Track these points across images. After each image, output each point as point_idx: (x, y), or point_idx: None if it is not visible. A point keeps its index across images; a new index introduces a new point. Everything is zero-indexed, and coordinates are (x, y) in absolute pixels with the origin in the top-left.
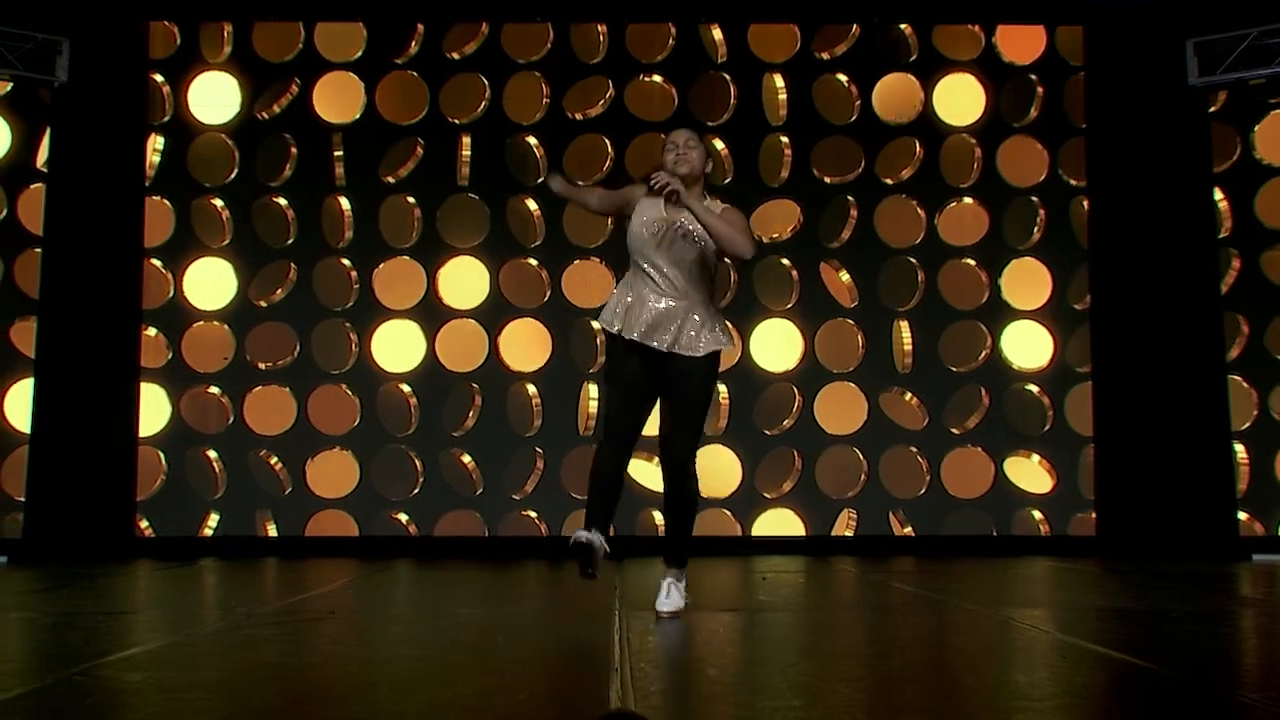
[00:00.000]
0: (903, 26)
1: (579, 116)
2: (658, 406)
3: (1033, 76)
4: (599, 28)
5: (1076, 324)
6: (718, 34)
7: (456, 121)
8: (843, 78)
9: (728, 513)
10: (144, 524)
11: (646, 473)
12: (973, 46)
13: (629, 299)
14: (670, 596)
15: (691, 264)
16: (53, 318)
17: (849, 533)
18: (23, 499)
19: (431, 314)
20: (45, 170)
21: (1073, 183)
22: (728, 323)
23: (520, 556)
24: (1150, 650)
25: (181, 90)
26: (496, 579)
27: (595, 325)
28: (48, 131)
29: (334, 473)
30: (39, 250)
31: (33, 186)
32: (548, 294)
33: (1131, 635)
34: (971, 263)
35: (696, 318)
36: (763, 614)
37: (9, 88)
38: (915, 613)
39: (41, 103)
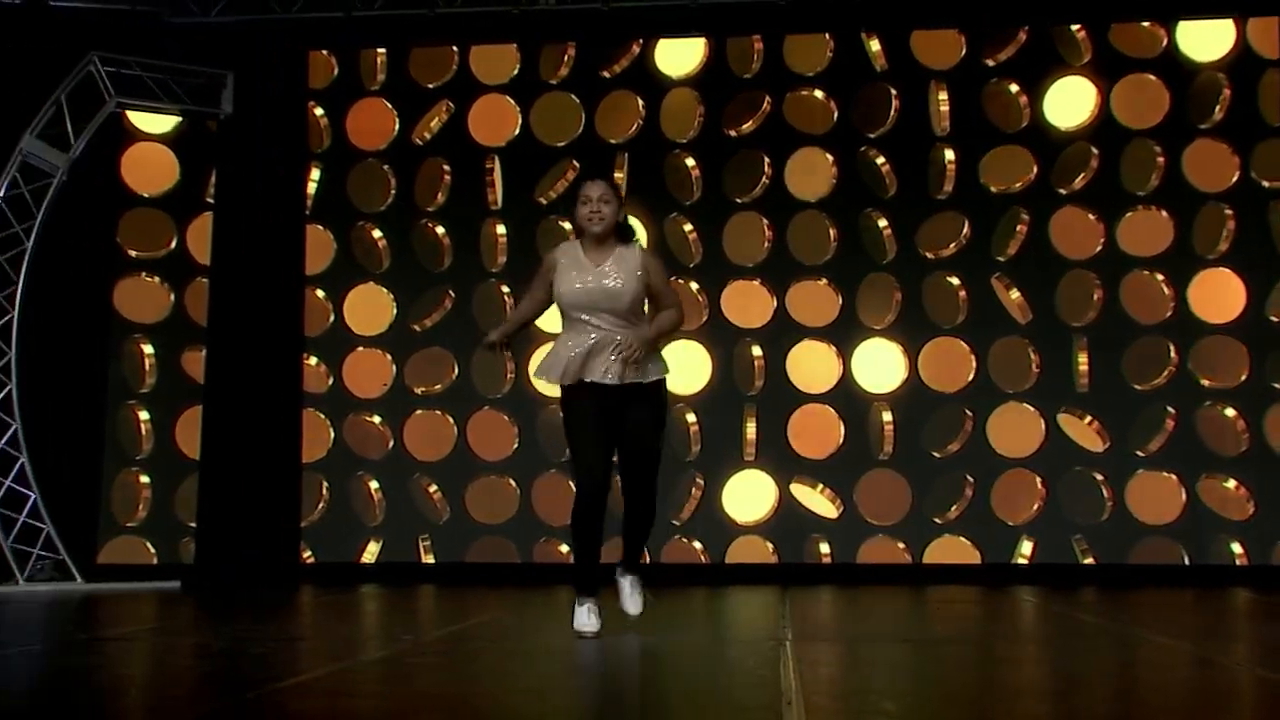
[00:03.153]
0: (1075, 28)
1: (734, 133)
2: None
3: (1220, 75)
4: (754, 41)
5: (1275, 338)
6: (876, 44)
7: (611, 141)
8: (1012, 86)
9: (900, 543)
10: (305, 551)
11: (814, 500)
12: (1153, 45)
13: (573, 352)
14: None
15: (626, 311)
16: (220, 346)
17: (1025, 560)
18: (194, 524)
19: None
20: (211, 201)
21: (1267, 185)
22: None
23: (681, 583)
24: None
25: (339, 118)
26: (659, 606)
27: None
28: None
29: (493, 498)
30: (206, 280)
31: (200, 216)
32: (705, 315)
33: None
34: (1157, 275)
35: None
36: (938, 646)
37: (178, 121)
38: (1102, 646)
39: (208, 135)
